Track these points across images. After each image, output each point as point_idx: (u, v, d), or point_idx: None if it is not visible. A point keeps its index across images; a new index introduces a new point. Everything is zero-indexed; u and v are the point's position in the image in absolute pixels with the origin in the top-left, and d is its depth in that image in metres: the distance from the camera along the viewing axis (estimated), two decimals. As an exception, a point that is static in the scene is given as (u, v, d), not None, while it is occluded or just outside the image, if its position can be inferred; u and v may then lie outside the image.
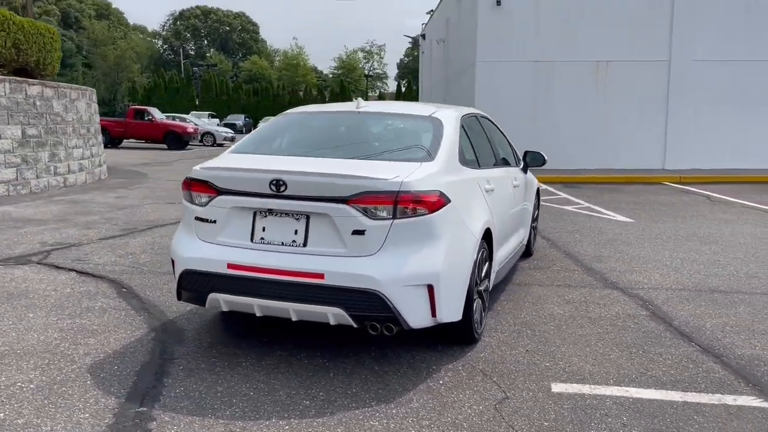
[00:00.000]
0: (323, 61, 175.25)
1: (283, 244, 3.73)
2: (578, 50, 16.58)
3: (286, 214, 3.74)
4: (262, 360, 4.02)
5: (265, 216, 3.78)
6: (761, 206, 11.26)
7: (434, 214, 3.68)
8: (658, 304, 5.34)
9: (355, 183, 3.58)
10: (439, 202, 3.71)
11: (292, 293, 3.64)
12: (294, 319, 3.73)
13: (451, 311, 3.81)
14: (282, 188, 3.66)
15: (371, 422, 3.25)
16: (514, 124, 16.69)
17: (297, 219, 3.72)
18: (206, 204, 3.91)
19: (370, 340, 4.33)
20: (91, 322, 4.67)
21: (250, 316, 3.97)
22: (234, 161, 4.09)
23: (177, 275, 3.99)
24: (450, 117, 4.61)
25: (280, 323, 4.59)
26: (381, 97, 61.65)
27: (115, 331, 4.49)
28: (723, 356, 4.19)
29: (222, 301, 3.83)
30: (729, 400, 3.55)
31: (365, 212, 3.57)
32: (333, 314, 3.60)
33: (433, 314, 3.70)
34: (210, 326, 4.61)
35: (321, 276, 3.58)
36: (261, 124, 6.10)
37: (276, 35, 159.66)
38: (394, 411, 3.38)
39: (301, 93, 62.30)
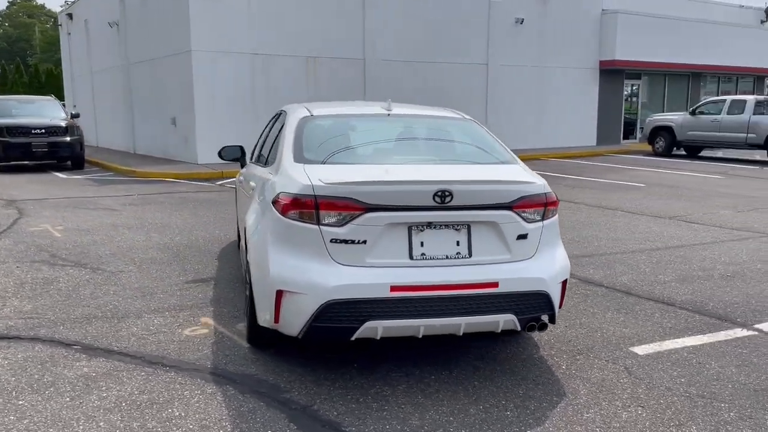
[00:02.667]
0: None
1: (447, 257, 3.57)
2: (291, 44, 17.09)
3: (445, 225, 3.58)
4: (397, 384, 3.78)
5: (423, 230, 3.55)
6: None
7: (557, 213, 3.98)
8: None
9: (516, 188, 3.67)
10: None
11: (464, 307, 3.54)
12: (461, 333, 3.62)
13: None
14: (447, 199, 3.51)
15: (585, 414, 3.48)
16: (236, 117, 16.48)
17: (457, 230, 3.60)
18: (345, 223, 3.46)
19: (439, 343, 4.35)
20: (124, 396, 3.60)
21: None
22: (358, 173, 3.65)
23: (310, 309, 3.44)
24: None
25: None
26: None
27: (176, 397, 3.57)
28: (676, 304, 5.41)
29: (381, 328, 3.47)
30: (732, 334, 4.72)
31: (524, 217, 3.68)
32: (504, 321, 3.63)
33: (560, 305, 4.00)
34: (265, 361, 3.99)
35: (495, 285, 3.57)
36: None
37: None
38: (581, 401, 3.64)
39: None
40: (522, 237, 3.69)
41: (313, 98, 17.58)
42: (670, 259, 6.92)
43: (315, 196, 3.49)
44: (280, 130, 4.72)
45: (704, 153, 20.68)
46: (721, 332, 4.75)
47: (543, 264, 3.75)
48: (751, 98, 19.11)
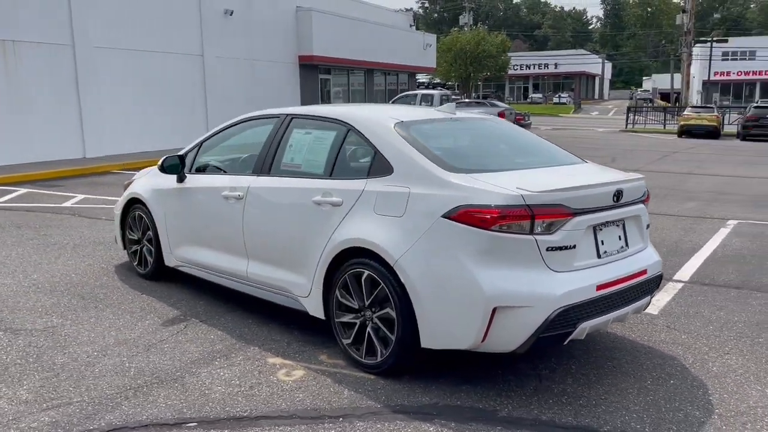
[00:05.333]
0: None
1: (617, 252, 3.84)
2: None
3: (612, 223, 3.83)
4: (562, 380, 3.93)
5: (601, 229, 3.76)
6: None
7: None
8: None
9: (643, 184, 4.11)
10: None
11: (632, 295, 3.89)
12: (623, 320, 3.92)
13: None
14: (620, 198, 3.78)
15: (713, 368, 4.15)
16: None
17: (617, 225, 3.89)
18: (556, 230, 3.47)
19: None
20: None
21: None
22: (533, 180, 3.65)
23: (537, 321, 3.40)
24: None
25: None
26: None
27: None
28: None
29: (588, 327, 3.59)
30: (674, 287, 5.92)
31: (646, 208, 4.16)
32: (645, 303, 4.07)
33: None
34: (416, 387, 3.72)
35: (645, 272, 3.98)
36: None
37: None
38: (690, 360, 4.30)
39: None
40: (648, 226, 4.17)
41: (12, 89, 14.67)
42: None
43: (528, 205, 3.40)
44: (344, 139, 4.24)
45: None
46: (667, 286, 5.91)
47: (653, 248, 4.29)
48: (437, 93, 22.34)
